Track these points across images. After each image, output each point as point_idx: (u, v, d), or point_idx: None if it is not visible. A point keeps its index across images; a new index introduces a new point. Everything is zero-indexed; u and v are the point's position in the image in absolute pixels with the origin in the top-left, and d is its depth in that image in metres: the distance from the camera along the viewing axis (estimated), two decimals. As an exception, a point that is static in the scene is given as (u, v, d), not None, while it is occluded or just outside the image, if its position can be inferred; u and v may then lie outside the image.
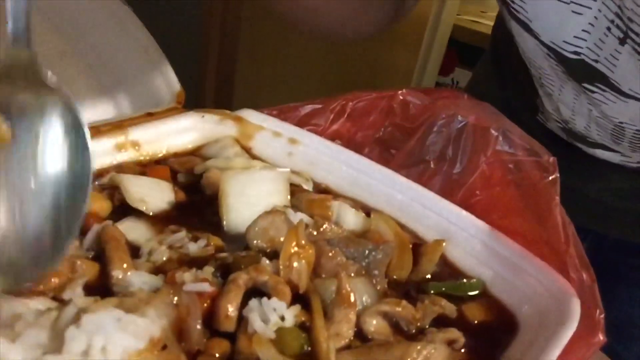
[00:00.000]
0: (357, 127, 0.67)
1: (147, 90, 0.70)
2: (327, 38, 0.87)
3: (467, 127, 0.59)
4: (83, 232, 0.46)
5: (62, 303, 0.39)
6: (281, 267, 0.42)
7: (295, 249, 0.44)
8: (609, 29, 0.66)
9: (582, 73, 0.70)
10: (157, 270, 0.45)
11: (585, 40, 0.68)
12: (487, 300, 0.47)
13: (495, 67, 0.99)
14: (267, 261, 0.44)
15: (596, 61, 0.68)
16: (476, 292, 0.48)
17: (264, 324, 0.38)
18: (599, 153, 0.80)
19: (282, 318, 0.39)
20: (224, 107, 0.68)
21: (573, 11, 0.67)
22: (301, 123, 0.66)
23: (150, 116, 0.62)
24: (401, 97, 0.66)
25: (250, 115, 0.65)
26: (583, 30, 0.67)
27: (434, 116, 0.61)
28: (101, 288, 0.42)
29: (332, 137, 0.66)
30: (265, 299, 0.39)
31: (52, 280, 0.39)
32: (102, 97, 0.70)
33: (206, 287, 0.40)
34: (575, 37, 0.68)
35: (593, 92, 0.70)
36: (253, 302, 0.39)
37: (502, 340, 0.43)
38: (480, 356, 0.41)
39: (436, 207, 0.54)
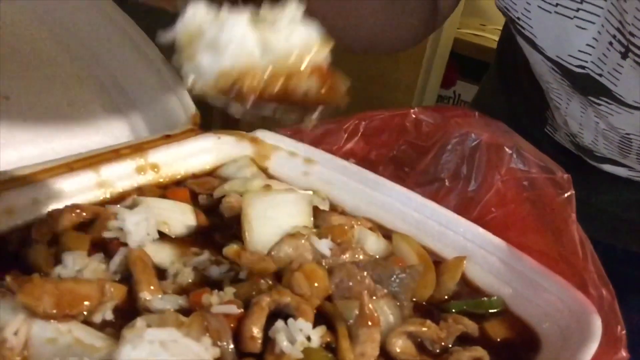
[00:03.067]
0: (371, 145, 0.68)
1: (162, 112, 0.71)
2: (366, 50, 0.88)
3: (480, 145, 0.60)
4: (110, 255, 0.47)
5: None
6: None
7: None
8: (611, 43, 0.67)
9: (588, 87, 0.71)
10: (182, 291, 0.46)
11: (590, 54, 0.69)
12: (508, 317, 0.48)
13: (502, 81, 1.00)
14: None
15: (600, 75, 0.69)
16: (497, 310, 0.49)
17: (291, 344, 0.39)
18: (607, 167, 0.81)
19: (308, 338, 0.40)
20: (232, 127, 0.69)
21: (577, 26, 0.68)
22: (316, 142, 0.67)
23: (168, 138, 0.63)
24: (414, 116, 0.67)
25: (266, 136, 0.66)
26: (587, 45, 0.69)
27: (447, 135, 0.62)
28: (130, 310, 0.43)
29: (347, 156, 0.67)
30: (291, 320, 0.40)
31: (84, 303, 0.40)
32: (119, 119, 0.71)
33: (233, 310, 0.41)
34: (580, 51, 0.69)
35: (599, 104, 0.71)
36: (279, 323, 0.40)
37: (525, 358, 0.44)
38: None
39: (453, 224, 0.55)
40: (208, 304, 0.41)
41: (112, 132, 0.70)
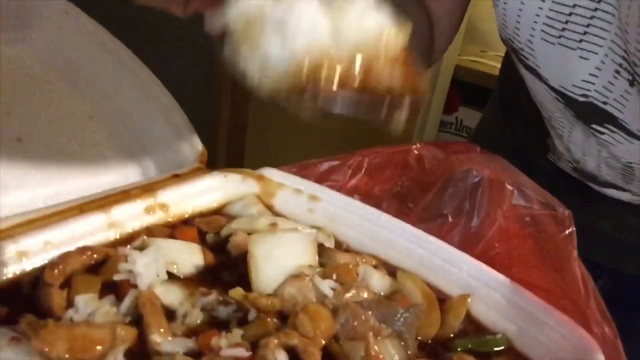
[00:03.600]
0: (374, 181, 0.69)
1: (170, 151, 0.73)
2: None
3: (482, 182, 0.61)
4: (120, 297, 0.48)
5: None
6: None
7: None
8: (617, 72, 0.69)
9: (591, 115, 0.72)
10: (191, 332, 0.47)
11: (594, 83, 0.71)
12: (513, 355, 0.48)
13: (504, 109, 1.02)
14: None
15: (605, 103, 0.71)
16: (501, 348, 0.49)
17: (300, 387, 0.40)
18: (610, 192, 0.82)
19: (316, 381, 0.40)
20: (235, 163, 0.71)
21: (580, 57, 0.70)
22: (320, 179, 0.68)
23: (176, 178, 0.64)
24: (416, 152, 0.68)
25: (271, 174, 0.67)
26: (591, 74, 0.71)
27: (450, 171, 0.63)
28: (141, 353, 0.44)
29: (351, 193, 0.68)
30: (303, 361, 0.41)
31: (97, 348, 0.41)
32: (128, 158, 0.73)
33: (242, 353, 0.42)
34: (583, 80, 0.71)
35: (602, 133, 0.72)
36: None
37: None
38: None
39: (457, 261, 0.56)
40: (217, 347, 0.42)
41: (121, 171, 0.72)
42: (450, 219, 0.63)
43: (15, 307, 0.46)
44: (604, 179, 0.80)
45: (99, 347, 0.41)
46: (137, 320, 0.47)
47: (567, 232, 0.54)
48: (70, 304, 0.47)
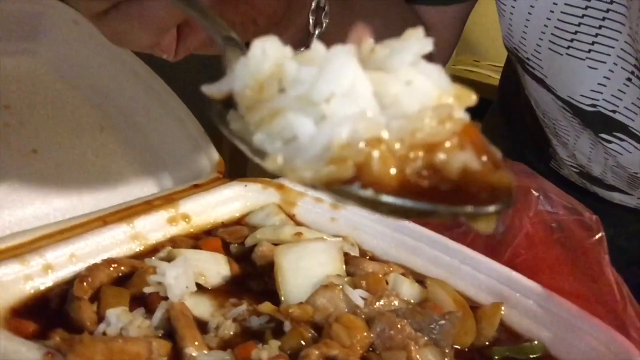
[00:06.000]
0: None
1: (187, 161, 0.72)
2: None
3: (507, 188, 0.61)
4: (149, 310, 0.47)
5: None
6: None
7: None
8: (629, 79, 0.69)
9: (600, 124, 0.72)
10: (225, 345, 0.46)
11: (602, 92, 0.71)
12: (550, 362, 0.48)
13: (505, 117, 1.02)
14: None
15: (614, 112, 0.71)
16: (538, 355, 0.49)
17: (345, 398, 0.39)
18: (615, 196, 0.82)
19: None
20: (239, 173, 0.70)
21: (589, 66, 0.70)
22: (341, 188, 0.68)
23: (196, 188, 0.64)
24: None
25: (291, 183, 0.67)
26: (599, 84, 0.70)
27: (473, 178, 0.63)
28: (175, 368, 0.43)
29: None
30: (346, 373, 0.40)
31: (134, 363, 0.40)
32: (143, 169, 0.72)
33: (284, 364, 0.41)
34: (592, 90, 0.71)
35: (610, 142, 0.72)
36: (332, 378, 0.40)
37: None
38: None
39: (486, 268, 0.56)
40: (258, 359, 0.41)
41: (138, 181, 0.71)
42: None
43: (44, 321, 0.45)
44: (610, 183, 0.80)
45: (136, 361, 0.40)
46: (169, 333, 0.46)
47: (596, 237, 0.54)
48: (101, 317, 0.46)
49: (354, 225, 0.63)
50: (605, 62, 0.69)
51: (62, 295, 0.48)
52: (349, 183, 0.28)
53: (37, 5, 0.81)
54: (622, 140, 0.72)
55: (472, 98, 0.33)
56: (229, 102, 0.33)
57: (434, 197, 0.30)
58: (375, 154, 0.28)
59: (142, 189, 0.69)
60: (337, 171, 0.28)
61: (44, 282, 0.48)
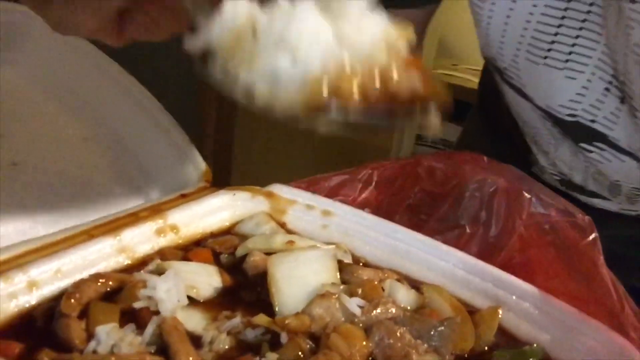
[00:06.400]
0: (385, 194, 0.68)
1: (172, 171, 0.71)
2: None
3: (498, 191, 0.61)
4: (142, 326, 0.46)
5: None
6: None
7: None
8: (607, 89, 0.69)
9: (579, 133, 0.72)
10: (220, 358, 0.45)
11: (580, 102, 0.71)
12: (551, 365, 0.47)
13: (485, 123, 1.02)
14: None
15: (593, 121, 0.71)
16: (538, 358, 0.48)
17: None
18: (597, 202, 0.82)
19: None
20: (222, 181, 0.69)
21: (566, 76, 0.70)
22: (331, 194, 0.67)
23: (184, 198, 0.62)
24: (425, 163, 0.68)
25: (281, 190, 0.65)
26: (578, 94, 0.70)
27: (464, 181, 0.62)
28: (170, 385, 0.41)
29: (362, 206, 0.67)
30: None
31: (127, 382, 0.38)
32: (129, 181, 0.70)
33: (284, 377, 0.40)
34: (570, 100, 0.71)
35: (590, 151, 0.72)
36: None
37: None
38: None
39: (480, 272, 0.55)
40: (257, 372, 0.40)
41: (123, 193, 0.69)
42: (467, 230, 0.62)
43: (30, 341, 0.43)
44: (591, 189, 0.81)
45: (129, 381, 0.38)
46: (162, 349, 0.44)
47: (590, 238, 0.54)
48: (90, 335, 0.44)
49: (345, 232, 0.62)
50: (583, 72, 0.69)
51: (48, 313, 0.46)
52: (325, 107, 0.36)
53: (13, 15, 0.79)
54: (602, 150, 0.72)
55: (410, 34, 0.41)
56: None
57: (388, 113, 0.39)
58: (343, 80, 0.36)
59: (127, 200, 0.68)
60: (315, 97, 0.36)
61: (29, 300, 0.46)
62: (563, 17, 0.68)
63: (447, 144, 2.31)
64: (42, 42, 0.79)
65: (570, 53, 0.69)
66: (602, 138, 0.71)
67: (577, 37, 0.68)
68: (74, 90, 0.77)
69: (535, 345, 0.49)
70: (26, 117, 0.70)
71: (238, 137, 1.40)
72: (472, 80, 2.38)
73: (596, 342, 0.47)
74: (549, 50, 0.70)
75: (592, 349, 0.47)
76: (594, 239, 0.54)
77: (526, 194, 0.59)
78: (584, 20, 0.66)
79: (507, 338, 0.51)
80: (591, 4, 0.65)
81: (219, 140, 1.34)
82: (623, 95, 0.68)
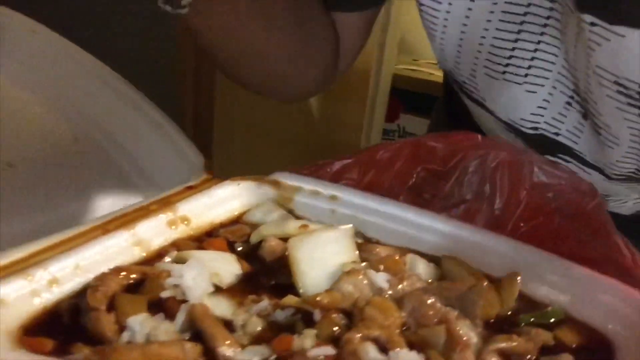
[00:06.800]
0: (387, 176, 0.68)
1: (169, 165, 0.70)
2: (263, 89, 0.86)
3: (501, 164, 0.62)
4: (170, 315, 0.45)
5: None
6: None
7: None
8: (569, 103, 0.69)
9: (544, 146, 0.73)
10: (255, 340, 0.44)
11: (543, 115, 0.71)
12: (573, 324, 0.49)
13: (452, 116, 1.02)
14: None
15: (557, 134, 0.71)
16: (560, 318, 0.50)
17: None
18: None
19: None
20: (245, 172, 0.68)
21: (527, 90, 0.70)
22: (335, 179, 0.67)
23: (191, 189, 0.61)
24: (424, 143, 0.69)
25: (285, 178, 0.65)
26: (539, 107, 0.71)
27: (466, 158, 0.64)
28: (210, 369, 0.41)
29: (366, 189, 0.67)
30: (398, 351, 0.39)
31: (173, 367, 0.38)
32: (126, 178, 0.69)
33: (330, 351, 0.40)
34: (532, 114, 0.71)
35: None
36: (380, 358, 0.39)
37: (605, 359, 0.45)
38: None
39: (493, 242, 0.56)
40: (301, 348, 0.40)
41: (121, 191, 0.68)
42: (471, 205, 0.63)
43: (59, 337, 0.42)
44: None
45: (175, 366, 0.38)
46: (195, 336, 0.44)
47: (595, 202, 0.56)
48: (121, 326, 0.43)
49: (354, 215, 0.62)
50: (543, 85, 0.69)
51: (72, 309, 0.45)
52: None
53: (-10, 16, 0.76)
54: (568, 162, 0.73)
55: None
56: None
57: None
58: None
59: (128, 198, 0.66)
60: None
61: (51, 297, 0.45)
62: (519, 32, 0.67)
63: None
64: (23, 43, 0.77)
65: (529, 67, 0.69)
66: (568, 151, 0.72)
67: (535, 50, 0.67)
68: (58, 90, 0.75)
69: (556, 306, 0.50)
70: (17, 119, 0.68)
71: (217, 130, 1.40)
72: (435, 74, 2.42)
73: (615, 298, 0.49)
74: (507, 65, 0.69)
75: (612, 305, 0.49)
76: (599, 203, 0.56)
77: (528, 165, 0.60)
78: (541, 34, 0.66)
79: (526, 302, 0.52)
80: (548, 17, 0.65)
81: (197, 135, 1.33)
82: (585, 111, 0.68)
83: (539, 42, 0.66)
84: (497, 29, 0.68)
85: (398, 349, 0.40)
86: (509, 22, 0.67)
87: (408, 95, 2.61)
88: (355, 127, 2.25)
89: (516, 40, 0.68)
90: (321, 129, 2.07)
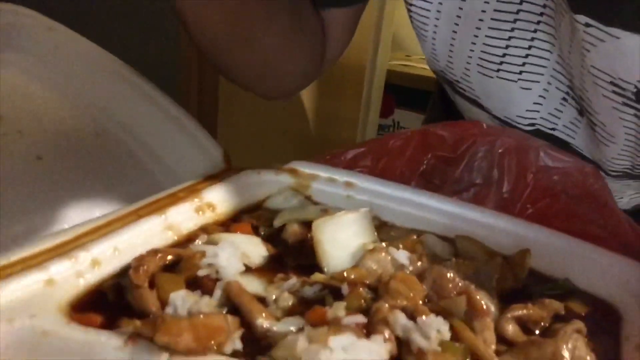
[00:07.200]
0: (398, 164, 0.72)
1: (189, 157, 0.72)
2: (252, 85, 0.86)
3: (508, 150, 0.65)
4: (206, 293, 0.48)
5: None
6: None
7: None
8: (565, 99, 0.71)
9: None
10: (288, 314, 0.47)
11: (539, 111, 0.72)
12: (582, 295, 0.52)
13: (447, 111, 1.04)
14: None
15: (553, 129, 0.73)
16: (569, 290, 0.53)
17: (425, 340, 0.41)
18: None
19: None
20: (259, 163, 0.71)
21: (522, 87, 0.71)
22: (349, 167, 0.70)
23: (213, 179, 0.64)
24: (433, 132, 0.72)
25: (302, 166, 0.68)
26: (535, 103, 0.72)
27: (474, 144, 0.67)
28: (250, 339, 0.44)
29: (380, 176, 0.70)
30: (421, 318, 0.43)
31: (219, 334, 0.41)
32: (145, 170, 0.72)
33: (362, 319, 0.43)
34: (527, 110, 0.72)
35: None
36: (408, 324, 0.42)
37: (612, 326, 0.48)
38: (602, 341, 0.46)
39: (503, 221, 0.60)
40: (335, 317, 0.43)
41: (143, 182, 0.70)
42: (480, 189, 0.67)
43: (105, 314, 0.45)
44: None
45: (221, 334, 0.41)
46: (231, 310, 0.47)
47: (599, 183, 0.60)
48: (163, 302, 0.46)
49: (370, 200, 0.65)
50: (538, 82, 0.70)
51: (115, 288, 0.47)
52: None
53: (8, 15, 0.78)
54: None
55: None
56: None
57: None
58: None
59: (149, 187, 0.69)
60: None
61: (94, 277, 0.48)
62: (513, 29, 0.68)
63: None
64: (41, 41, 0.79)
65: (523, 64, 0.69)
66: (565, 146, 0.73)
67: (529, 47, 0.68)
68: (77, 87, 0.77)
69: (565, 279, 0.53)
70: (40, 115, 0.70)
71: (221, 123, 1.42)
72: (428, 69, 2.46)
73: (622, 271, 0.52)
74: (500, 63, 0.70)
75: (617, 277, 0.52)
76: (603, 184, 0.60)
77: (534, 150, 0.64)
78: (535, 31, 0.67)
79: (536, 278, 0.55)
80: (541, 14, 0.66)
81: (201, 118, 1.36)
82: (580, 107, 0.70)
83: (532, 39, 0.68)
84: (489, 27, 0.69)
85: (424, 316, 0.43)
86: (501, 20, 0.68)
87: (402, 91, 2.65)
88: (351, 123, 2.28)
89: (509, 39, 0.69)
90: (317, 124, 2.10)
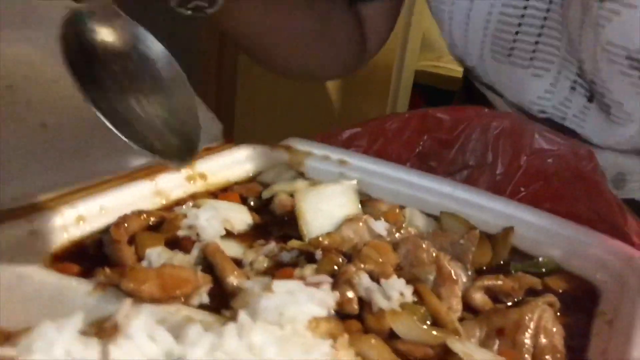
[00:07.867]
0: (395, 144, 0.72)
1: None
2: (296, 74, 0.90)
3: (503, 132, 0.65)
4: (187, 251, 0.49)
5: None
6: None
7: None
8: (573, 88, 0.71)
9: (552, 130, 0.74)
10: (260, 275, 0.48)
11: (550, 100, 0.73)
12: (563, 274, 0.52)
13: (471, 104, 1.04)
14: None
15: (564, 119, 0.73)
16: (551, 269, 0.52)
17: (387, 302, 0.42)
18: None
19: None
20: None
21: (533, 75, 0.72)
22: (344, 146, 0.71)
23: (209, 151, 0.66)
24: (432, 115, 0.72)
25: (297, 143, 0.69)
26: (546, 91, 0.73)
27: (471, 126, 0.67)
28: (220, 295, 0.45)
29: (375, 156, 0.70)
30: (384, 280, 0.43)
31: (185, 285, 0.42)
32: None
33: (327, 279, 0.43)
34: (539, 97, 0.73)
35: None
36: (372, 285, 0.43)
37: (588, 305, 0.48)
38: (576, 318, 0.45)
39: (492, 202, 0.59)
40: (301, 276, 0.44)
41: (142, 151, 0.72)
42: (474, 171, 0.66)
43: (85, 264, 0.46)
44: None
45: (187, 286, 0.42)
46: (206, 269, 0.48)
47: (592, 164, 0.59)
48: (140, 257, 0.47)
49: (362, 178, 0.65)
50: (549, 70, 0.71)
51: (97, 244, 0.49)
52: None
53: (28, -4, 0.82)
54: None
55: None
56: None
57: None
58: None
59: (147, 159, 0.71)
60: None
61: (77, 232, 0.50)
62: (523, 16, 0.70)
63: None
64: (55, 16, 0.82)
65: (534, 51, 0.71)
66: (574, 136, 0.74)
67: (539, 35, 0.70)
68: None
69: (547, 258, 0.53)
70: (49, 86, 0.73)
71: (239, 97, 1.44)
72: (457, 70, 2.44)
73: (603, 251, 0.51)
74: (511, 48, 0.72)
75: (600, 258, 0.51)
76: (595, 165, 0.59)
77: (529, 132, 0.63)
78: (544, 18, 0.69)
79: (520, 255, 0.55)
80: (550, 2, 0.68)
81: (220, 100, 1.37)
82: (590, 94, 0.70)
83: (542, 27, 0.68)
84: (500, 12, 0.70)
85: (391, 279, 0.43)
86: (511, 5, 0.69)
87: (431, 91, 2.63)
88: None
89: (519, 24, 0.70)
90: (343, 122, 2.11)
